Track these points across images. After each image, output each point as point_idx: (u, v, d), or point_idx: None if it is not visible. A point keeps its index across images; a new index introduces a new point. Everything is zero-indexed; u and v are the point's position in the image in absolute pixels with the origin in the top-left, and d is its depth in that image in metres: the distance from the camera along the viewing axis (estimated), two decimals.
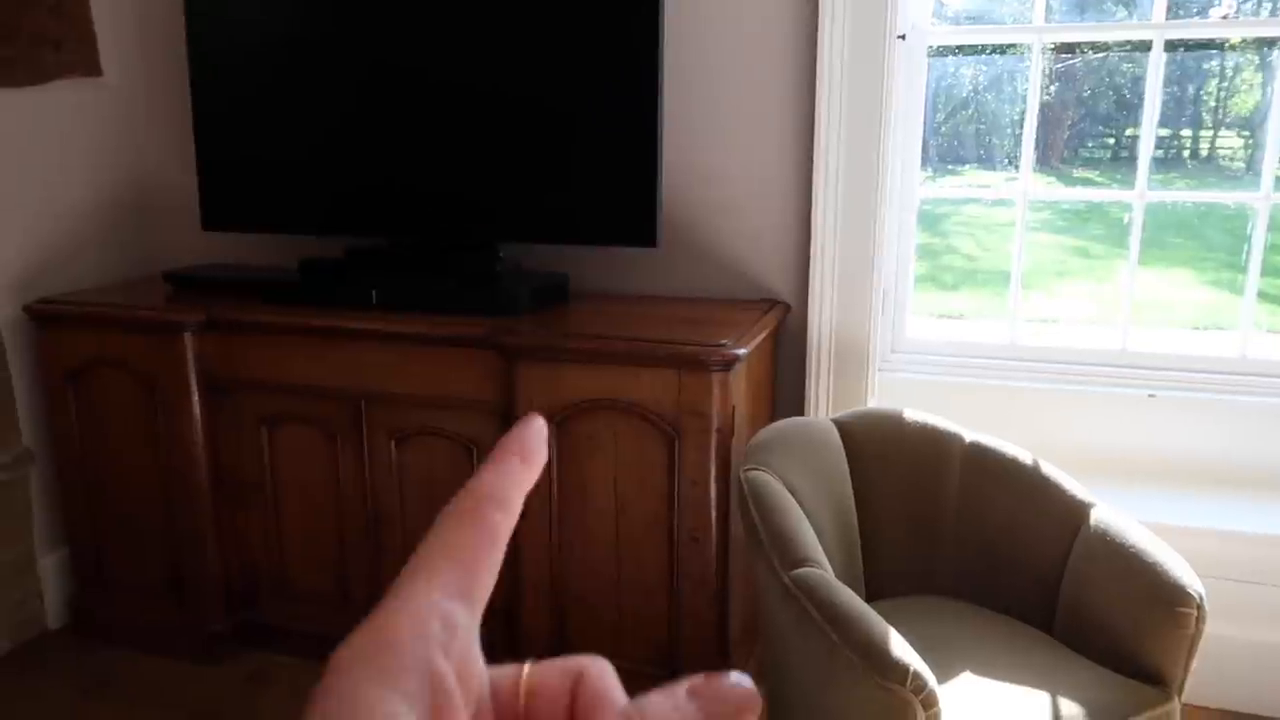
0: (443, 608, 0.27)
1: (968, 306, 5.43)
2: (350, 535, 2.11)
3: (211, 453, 2.14)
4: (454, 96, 2.04)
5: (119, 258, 2.53)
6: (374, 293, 2.02)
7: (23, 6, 2.19)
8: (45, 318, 2.18)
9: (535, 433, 0.32)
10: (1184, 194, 2.28)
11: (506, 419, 1.88)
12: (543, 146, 2.01)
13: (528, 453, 0.31)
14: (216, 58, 2.20)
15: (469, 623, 0.28)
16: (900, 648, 1.27)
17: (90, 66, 2.40)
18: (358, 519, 2.09)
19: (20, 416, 2.27)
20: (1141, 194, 2.10)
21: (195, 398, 2.10)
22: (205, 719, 2.03)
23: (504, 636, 2.03)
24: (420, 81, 2.06)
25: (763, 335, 1.90)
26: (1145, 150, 2.09)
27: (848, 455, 1.74)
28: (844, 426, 1.77)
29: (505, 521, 0.30)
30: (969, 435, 1.76)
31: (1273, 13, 2.22)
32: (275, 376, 2.06)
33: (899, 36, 1.99)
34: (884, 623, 1.31)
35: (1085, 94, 5.21)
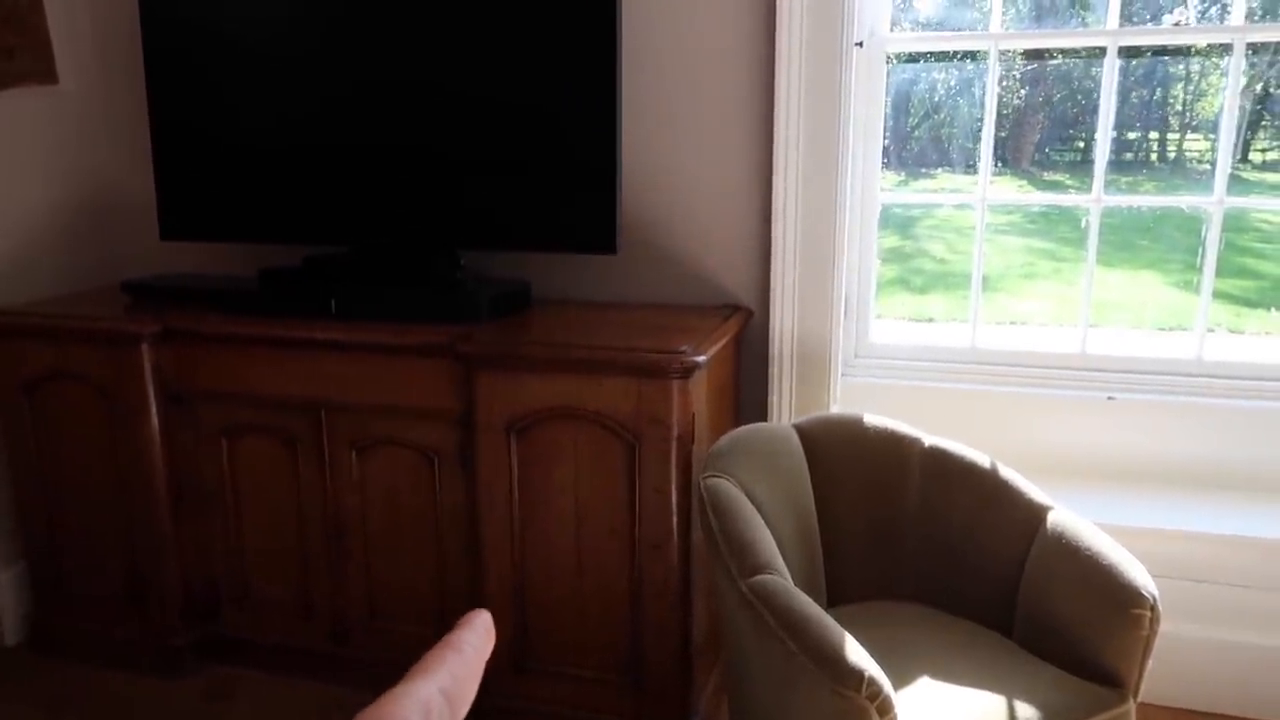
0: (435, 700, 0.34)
1: (938, 310, 5.46)
2: (312, 545, 2.09)
3: (170, 463, 2.12)
4: (413, 101, 2.03)
5: (76, 267, 2.49)
6: (333, 302, 2.00)
7: None
8: (0, 329, 2.14)
9: (482, 632, 0.38)
10: (1138, 199, 2.30)
11: (467, 428, 1.87)
12: (502, 153, 2.00)
13: (476, 649, 0.38)
14: (173, 65, 2.18)
15: None
16: (856, 653, 1.27)
17: (46, 74, 2.36)
18: (320, 529, 2.07)
19: None
20: (1098, 198, 2.12)
21: (153, 408, 2.07)
22: None
23: None
24: (378, 86, 2.05)
25: (723, 341, 1.90)
26: (1101, 154, 2.11)
27: (808, 461, 1.74)
28: (805, 432, 1.77)
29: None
30: (928, 439, 1.77)
31: (1222, 20, 2.25)
32: (234, 386, 2.04)
33: (856, 43, 2.00)
34: (840, 628, 1.31)
35: (1053, 98, 5.26)
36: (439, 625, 2.04)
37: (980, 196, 2.17)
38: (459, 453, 1.92)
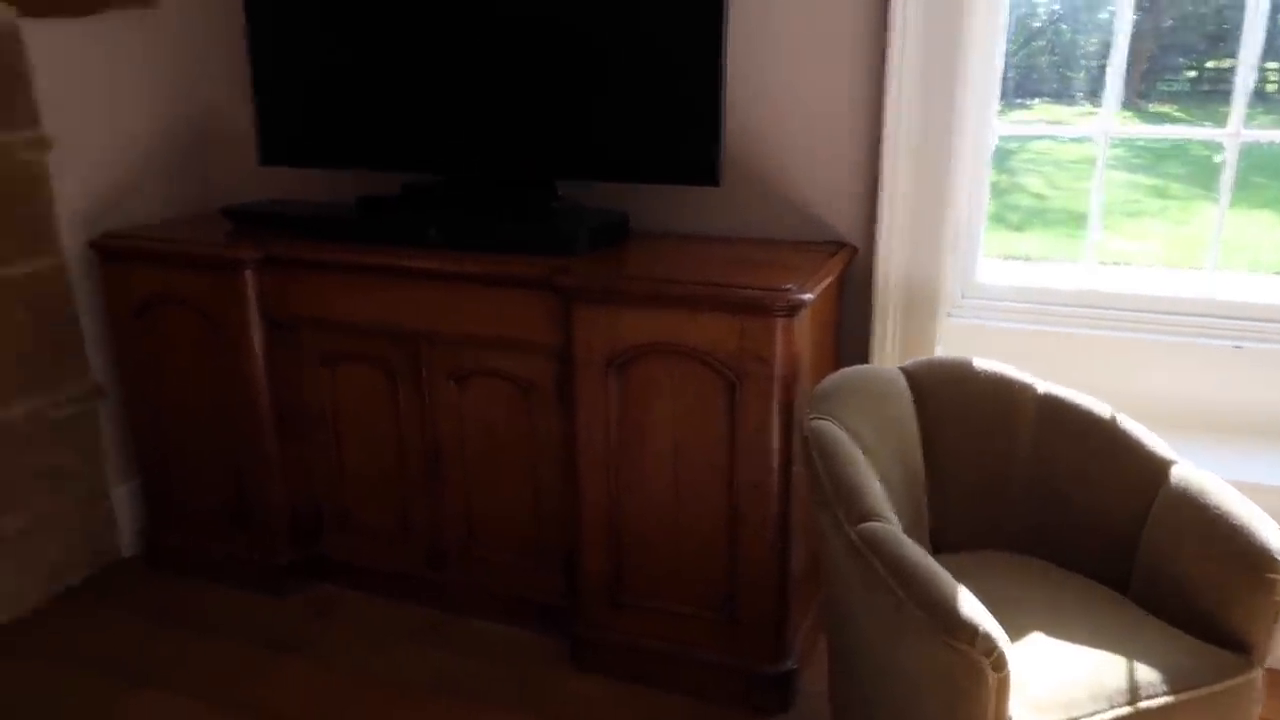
0: None
1: (1035, 248, 5.25)
2: (410, 473, 2.12)
3: (274, 388, 2.16)
4: (511, 28, 1.98)
5: (178, 192, 2.53)
6: (431, 230, 1.99)
7: None
8: (111, 253, 2.19)
9: None
10: (1273, 133, 2.14)
11: (565, 361, 1.86)
12: (602, 80, 1.94)
13: None
14: None
15: None
16: (970, 606, 1.23)
17: None
18: (418, 457, 2.10)
19: (89, 351, 2.31)
20: (1237, 132, 1.97)
21: (256, 334, 2.11)
22: (271, 649, 2.08)
23: (563, 577, 2.04)
24: (477, 13, 2.00)
25: (829, 280, 1.84)
26: (1242, 85, 1.95)
27: (915, 405, 1.69)
28: (912, 375, 1.71)
29: None
30: (1041, 386, 1.69)
31: None
32: (334, 313, 2.06)
33: None
34: (953, 581, 1.27)
35: (1165, 24, 4.92)
36: (534, 555, 2.07)
37: (1103, 129, 2.04)
38: (556, 385, 1.91)
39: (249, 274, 2.06)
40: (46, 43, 2.12)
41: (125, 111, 2.36)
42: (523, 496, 2.03)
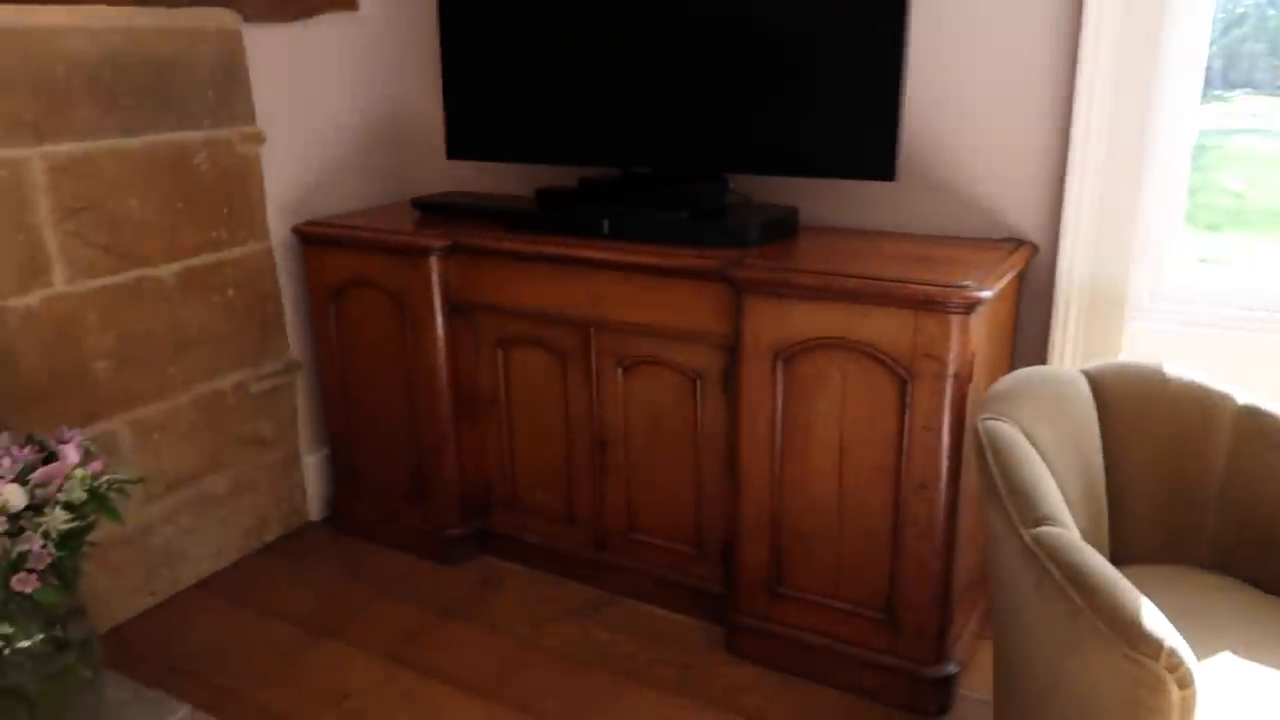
0: None
1: (1232, 250, 4.88)
2: (577, 456, 2.20)
3: (452, 369, 2.29)
4: (687, 25, 2.02)
5: (372, 183, 2.71)
6: (606, 222, 2.06)
7: None
8: (311, 238, 2.37)
9: None
10: None
11: (732, 352, 1.88)
12: (779, 74, 1.95)
13: None
14: None
15: None
16: (1154, 619, 1.18)
17: (348, 1, 2.54)
18: (584, 441, 2.17)
19: (288, 330, 2.51)
20: None
21: (439, 317, 2.24)
22: (442, 613, 2.20)
23: (722, 565, 2.07)
24: (655, 12, 2.04)
25: (1007, 277, 1.78)
26: None
27: (1098, 410, 1.62)
28: (1096, 379, 1.65)
29: None
30: (1242, 397, 1.59)
31: None
32: (511, 300, 2.16)
33: None
34: (1136, 591, 1.22)
35: None
36: (693, 542, 2.10)
37: None
38: (722, 376, 1.94)
39: (434, 260, 2.19)
40: (262, 45, 2.31)
41: (328, 108, 2.54)
42: (684, 484, 2.07)
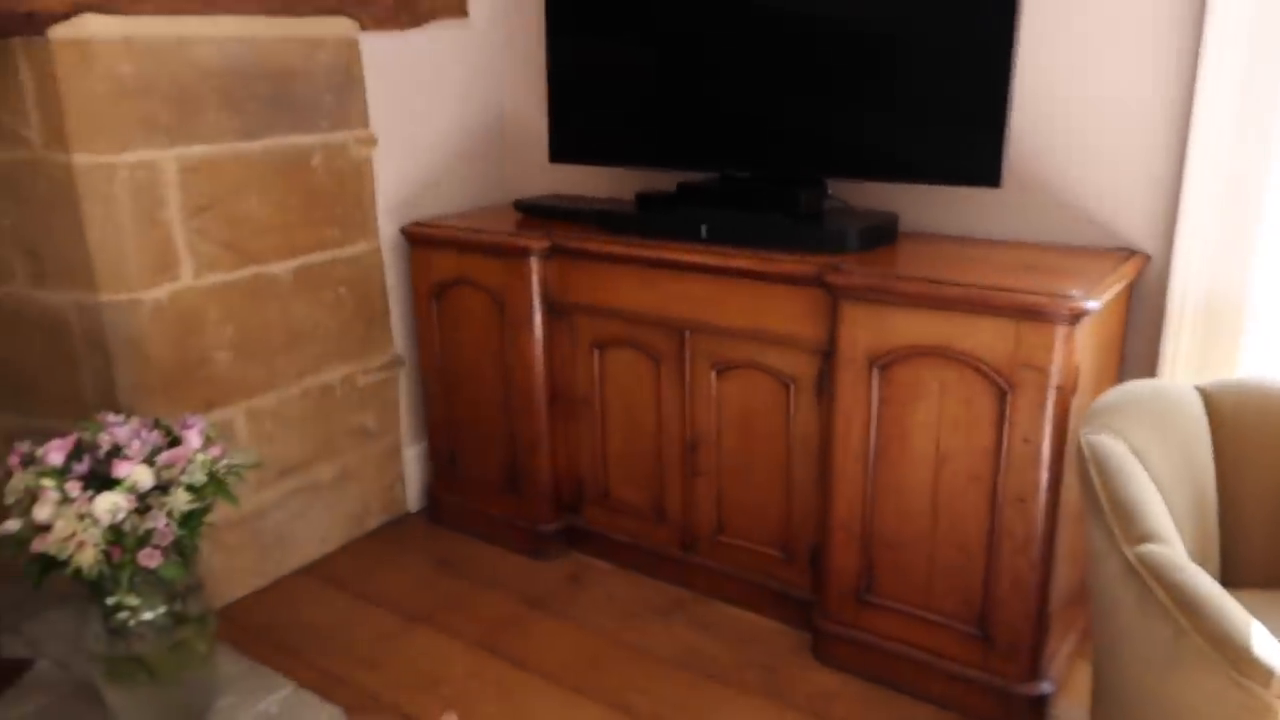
0: None
1: None
2: (668, 457, 2.22)
3: (548, 368, 2.33)
4: (790, 29, 2.02)
5: (477, 185, 2.79)
6: (704, 227, 2.07)
7: None
8: (417, 238, 2.45)
9: None
10: None
11: (827, 358, 1.87)
12: (882, 79, 1.94)
13: None
14: (569, 4, 2.32)
15: None
16: (1265, 645, 1.14)
17: (458, 9, 2.62)
18: (676, 442, 2.19)
19: (393, 325, 2.60)
20: None
21: (537, 317, 2.29)
22: (532, 606, 2.25)
23: (810, 571, 2.06)
24: (752, 13, 2.05)
25: (1117, 288, 1.73)
26: None
27: (1212, 427, 1.56)
28: (1210, 395, 1.58)
29: None
30: None
31: None
32: (608, 301, 2.19)
33: None
34: (1245, 613, 1.18)
35: None
36: (782, 547, 2.10)
37: None
38: (816, 382, 1.94)
39: (534, 261, 2.24)
40: (377, 51, 2.41)
41: (436, 112, 2.63)
42: (775, 489, 2.07)
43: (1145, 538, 1.30)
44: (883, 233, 2.04)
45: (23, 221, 1.97)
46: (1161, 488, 1.44)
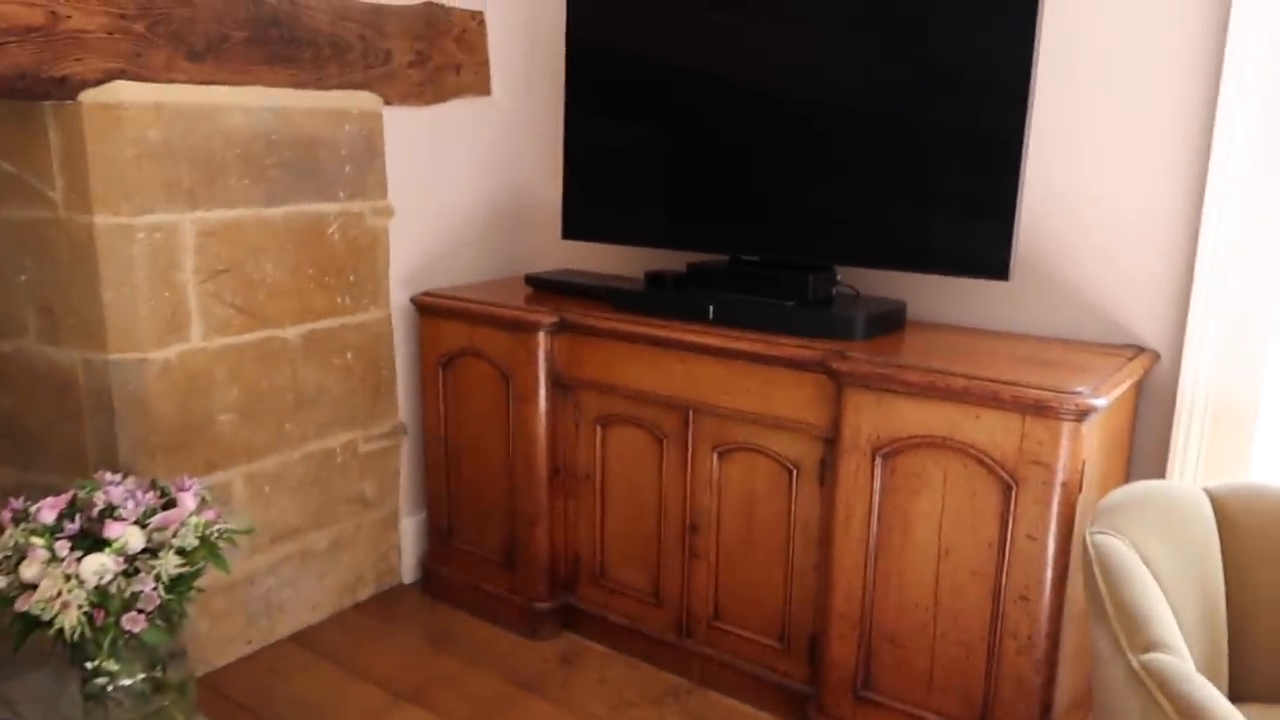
0: None
1: None
2: (667, 539, 2.19)
3: (551, 443, 2.32)
4: (803, 118, 2.05)
5: (490, 258, 2.82)
6: (711, 308, 2.08)
7: (436, 38, 2.51)
8: (427, 308, 2.47)
9: None
10: None
11: (831, 444, 1.86)
12: (888, 165, 1.96)
13: None
14: (588, 84, 2.38)
15: None
16: None
17: (482, 87, 2.69)
18: (675, 523, 2.16)
19: (399, 393, 2.60)
20: None
21: (542, 391, 2.28)
22: (523, 687, 2.19)
23: (809, 662, 2.01)
24: (766, 103, 2.09)
25: (1125, 385, 1.72)
26: None
27: (1220, 531, 1.53)
28: (1218, 498, 1.56)
29: None
30: None
31: None
32: (613, 378, 2.19)
33: None
34: None
35: None
36: (780, 636, 2.05)
37: None
38: (819, 468, 1.92)
39: (542, 335, 2.25)
40: (399, 124, 2.46)
41: (452, 185, 2.67)
42: (774, 575, 2.03)
43: (1151, 645, 1.26)
44: (890, 321, 2.04)
45: (40, 279, 2.00)
46: (1168, 593, 1.41)
